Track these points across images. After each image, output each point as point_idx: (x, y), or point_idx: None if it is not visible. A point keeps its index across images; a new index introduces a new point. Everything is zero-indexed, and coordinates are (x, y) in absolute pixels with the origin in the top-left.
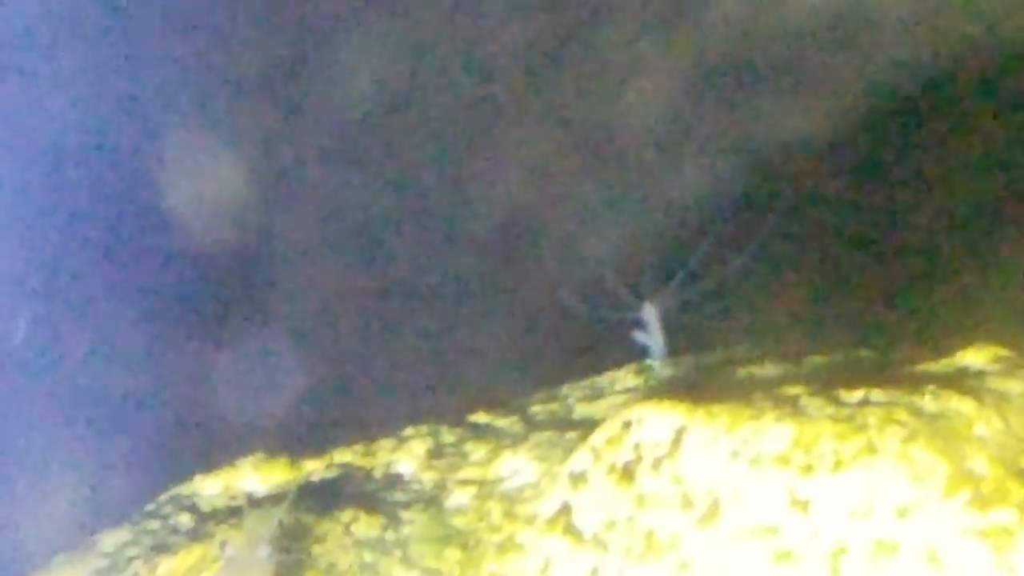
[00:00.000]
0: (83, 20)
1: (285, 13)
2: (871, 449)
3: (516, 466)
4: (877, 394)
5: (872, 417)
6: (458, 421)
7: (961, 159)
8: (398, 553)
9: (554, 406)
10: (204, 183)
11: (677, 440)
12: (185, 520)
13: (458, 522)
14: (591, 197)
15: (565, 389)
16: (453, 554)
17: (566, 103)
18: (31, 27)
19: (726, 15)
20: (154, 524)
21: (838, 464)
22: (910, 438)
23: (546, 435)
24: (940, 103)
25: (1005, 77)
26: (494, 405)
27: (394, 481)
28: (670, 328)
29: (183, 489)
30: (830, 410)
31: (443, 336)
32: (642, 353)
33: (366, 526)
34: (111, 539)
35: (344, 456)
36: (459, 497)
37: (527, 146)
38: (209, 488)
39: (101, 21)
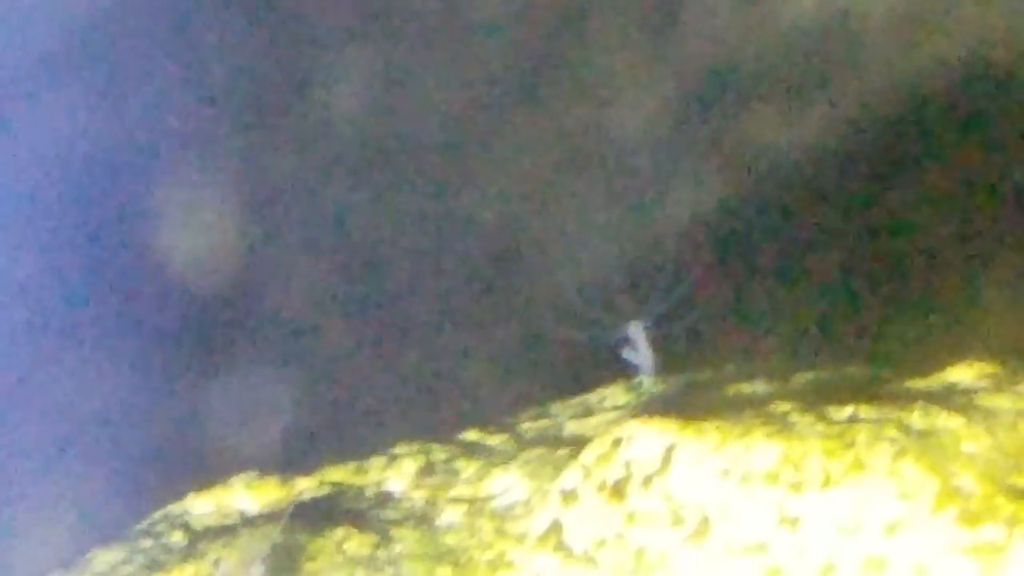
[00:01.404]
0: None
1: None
2: (860, 466)
3: (507, 484)
4: (866, 411)
5: (861, 434)
6: (449, 438)
7: (953, 174)
8: (390, 571)
9: (544, 423)
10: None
11: (667, 457)
12: (178, 538)
13: (449, 540)
14: (580, 212)
15: (555, 406)
16: (444, 572)
17: (552, 119)
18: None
19: (714, 26)
20: (147, 542)
21: (827, 481)
22: (899, 455)
23: (536, 452)
24: (931, 117)
25: (1000, 91)
26: (485, 422)
27: (385, 499)
28: (659, 345)
29: (175, 507)
30: (819, 427)
31: (435, 354)
32: (632, 370)
33: (358, 544)
34: (104, 557)
35: (336, 474)
36: (450, 515)
37: (514, 164)
38: (202, 506)
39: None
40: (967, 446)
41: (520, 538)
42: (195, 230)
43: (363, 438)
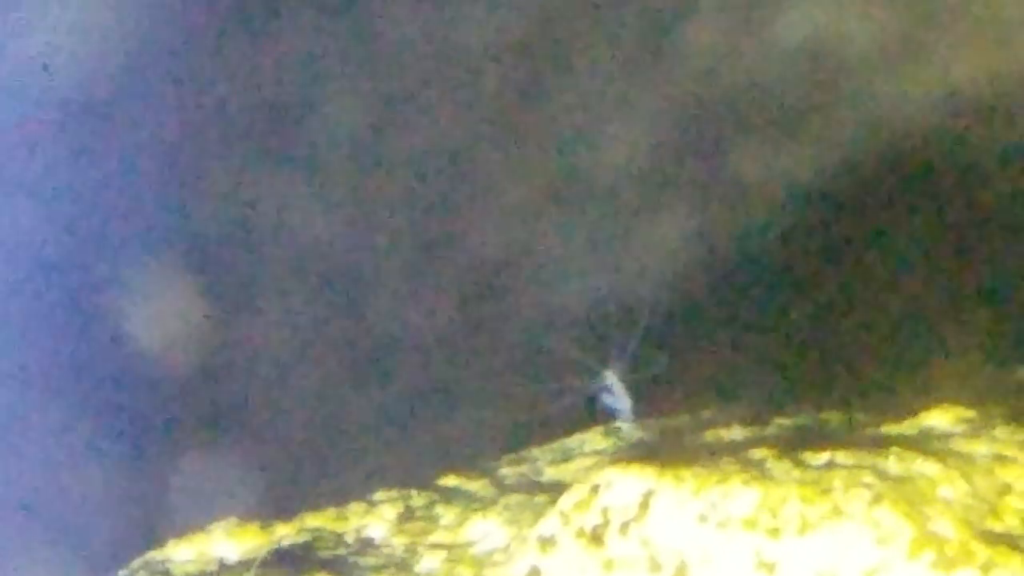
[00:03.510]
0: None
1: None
2: (837, 512)
3: (486, 530)
4: (842, 456)
5: (838, 480)
6: (428, 484)
7: (936, 212)
8: None
9: (523, 468)
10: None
11: (645, 504)
12: None
13: None
14: (563, 250)
15: (534, 451)
16: None
17: (539, 151)
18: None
19: (702, 56)
20: None
21: (804, 527)
22: (875, 501)
23: (515, 498)
24: (920, 155)
25: (991, 126)
26: (464, 468)
27: (365, 545)
28: (637, 391)
29: (156, 554)
30: (796, 473)
31: (413, 398)
32: (610, 415)
33: None
34: None
35: (315, 520)
36: (430, 561)
37: (498, 198)
38: (182, 553)
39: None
40: (943, 491)
41: None
42: (160, 278)
43: (342, 484)
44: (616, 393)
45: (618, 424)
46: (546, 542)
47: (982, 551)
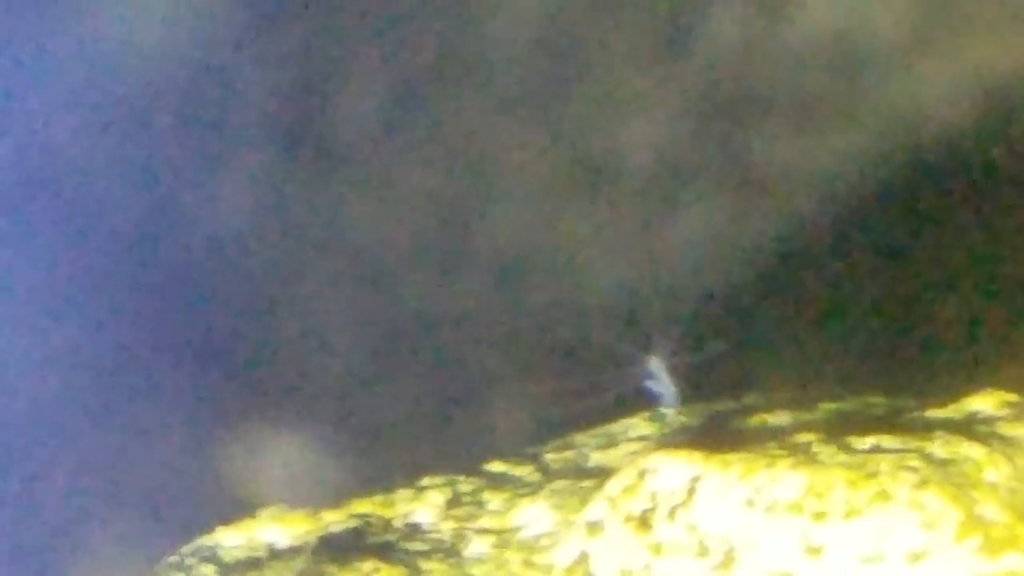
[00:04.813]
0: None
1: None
2: (883, 496)
3: (533, 515)
4: (888, 440)
5: (884, 464)
6: (475, 470)
7: (976, 201)
8: None
9: (569, 454)
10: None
11: (692, 489)
12: (208, 572)
13: (477, 571)
14: (588, 237)
15: (579, 437)
16: None
17: (562, 140)
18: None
19: (722, 45)
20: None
21: (851, 511)
22: (921, 484)
23: (562, 484)
24: (951, 141)
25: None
26: (510, 454)
27: (413, 531)
28: (681, 376)
29: (205, 540)
30: (842, 457)
31: (452, 382)
32: (654, 400)
33: None
34: None
35: (363, 506)
36: (478, 546)
37: (524, 184)
38: (231, 539)
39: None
40: (989, 475)
41: (547, 569)
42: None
43: (387, 470)
44: (660, 379)
45: (662, 410)
46: (594, 527)
47: None
